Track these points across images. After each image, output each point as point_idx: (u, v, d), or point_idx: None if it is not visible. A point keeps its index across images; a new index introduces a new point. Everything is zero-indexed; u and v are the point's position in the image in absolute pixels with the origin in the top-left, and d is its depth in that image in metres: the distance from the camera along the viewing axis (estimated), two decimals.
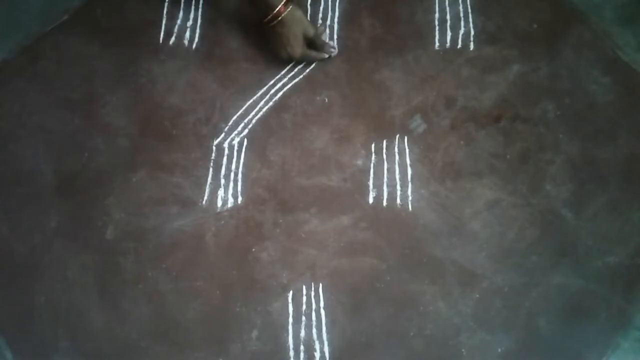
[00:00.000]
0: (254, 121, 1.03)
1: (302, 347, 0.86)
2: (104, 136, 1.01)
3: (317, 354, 0.85)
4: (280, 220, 0.94)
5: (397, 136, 1.01)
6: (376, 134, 1.01)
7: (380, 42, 1.09)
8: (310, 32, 1.03)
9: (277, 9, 0.97)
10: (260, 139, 1.01)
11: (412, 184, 0.97)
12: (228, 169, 0.99)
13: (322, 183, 0.97)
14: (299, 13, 1.00)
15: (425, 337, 0.86)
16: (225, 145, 1.01)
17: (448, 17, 1.11)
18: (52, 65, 1.08)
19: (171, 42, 1.10)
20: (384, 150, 1.00)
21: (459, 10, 1.11)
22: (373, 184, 0.97)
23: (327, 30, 1.10)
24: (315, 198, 0.96)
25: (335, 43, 1.08)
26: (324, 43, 1.05)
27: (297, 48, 1.03)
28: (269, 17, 0.99)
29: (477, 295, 0.89)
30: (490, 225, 0.93)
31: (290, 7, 0.99)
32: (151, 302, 0.89)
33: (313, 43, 1.04)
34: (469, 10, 1.11)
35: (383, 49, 1.08)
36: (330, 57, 1.07)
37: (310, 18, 1.12)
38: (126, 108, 1.04)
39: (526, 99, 1.03)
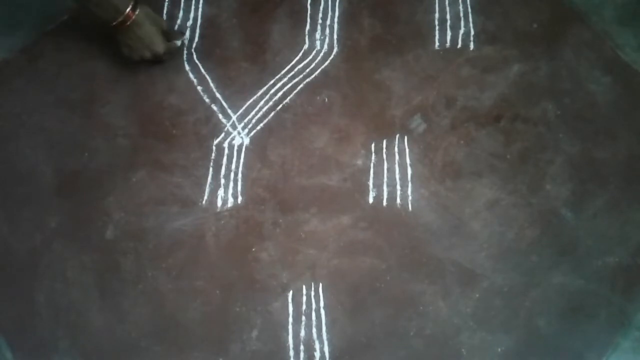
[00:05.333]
0: (253, 121, 1.03)
1: (302, 347, 0.86)
2: (104, 136, 1.01)
3: (317, 354, 0.85)
4: (280, 220, 0.94)
5: (397, 136, 1.01)
6: (376, 134, 1.01)
7: (380, 42, 1.09)
8: (164, 24, 1.03)
9: (127, 11, 0.94)
10: (260, 139, 1.01)
11: (412, 183, 0.97)
12: (228, 169, 0.99)
13: (322, 183, 0.97)
14: (148, 9, 0.99)
15: (425, 337, 0.86)
16: (225, 145, 1.01)
17: (448, 16, 1.11)
18: (52, 65, 1.08)
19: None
20: (384, 150, 1.00)
21: (459, 10, 1.11)
22: (373, 184, 0.97)
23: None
24: (315, 198, 0.96)
25: (334, 43, 1.08)
26: (174, 31, 1.06)
27: (161, 43, 1.01)
28: (120, 19, 0.94)
29: (477, 295, 0.88)
30: (490, 225, 0.93)
31: (139, 7, 0.96)
32: (151, 302, 0.89)
33: (166, 34, 1.03)
34: (469, 10, 1.11)
35: (383, 49, 1.08)
36: (183, 43, 1.07)
37: (310, 18, 1.12)
38: (126, 108, 1.04)
39: (526, 99, 1.03)
